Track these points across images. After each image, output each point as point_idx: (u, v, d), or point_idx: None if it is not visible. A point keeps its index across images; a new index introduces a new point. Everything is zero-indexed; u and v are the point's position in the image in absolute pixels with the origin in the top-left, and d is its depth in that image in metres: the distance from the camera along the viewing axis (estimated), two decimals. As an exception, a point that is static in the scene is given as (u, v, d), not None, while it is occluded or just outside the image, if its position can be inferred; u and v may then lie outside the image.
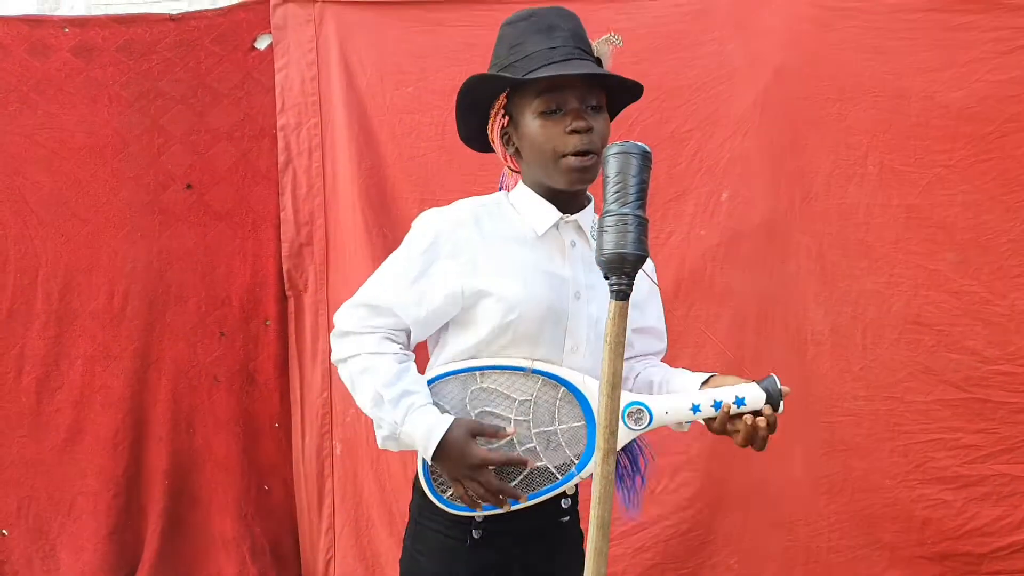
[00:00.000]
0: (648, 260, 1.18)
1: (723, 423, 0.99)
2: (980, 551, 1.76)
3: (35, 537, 2.04)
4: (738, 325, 1.81)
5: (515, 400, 1.04)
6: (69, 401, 2.01)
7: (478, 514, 1.05)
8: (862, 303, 1.78)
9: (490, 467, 1.00)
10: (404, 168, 1.88)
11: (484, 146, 1.15)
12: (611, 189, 0.93)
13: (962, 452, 1.75)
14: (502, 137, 1.11)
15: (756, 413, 0.99)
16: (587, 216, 1.10)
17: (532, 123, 1.04)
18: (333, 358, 1.10)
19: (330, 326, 1.93)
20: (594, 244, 1.06)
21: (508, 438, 1.02)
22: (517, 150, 1.09)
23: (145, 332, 1.98)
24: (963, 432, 1.75)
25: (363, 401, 1.05)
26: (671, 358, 1.83)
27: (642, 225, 0.92)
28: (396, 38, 1.86)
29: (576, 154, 1.02)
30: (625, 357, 1.19)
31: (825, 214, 1.79)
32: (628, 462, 1.19)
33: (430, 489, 1.07)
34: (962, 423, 1.75)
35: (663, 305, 1.22)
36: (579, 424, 1.05)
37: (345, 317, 1.08)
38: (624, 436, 1.01)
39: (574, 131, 1.02)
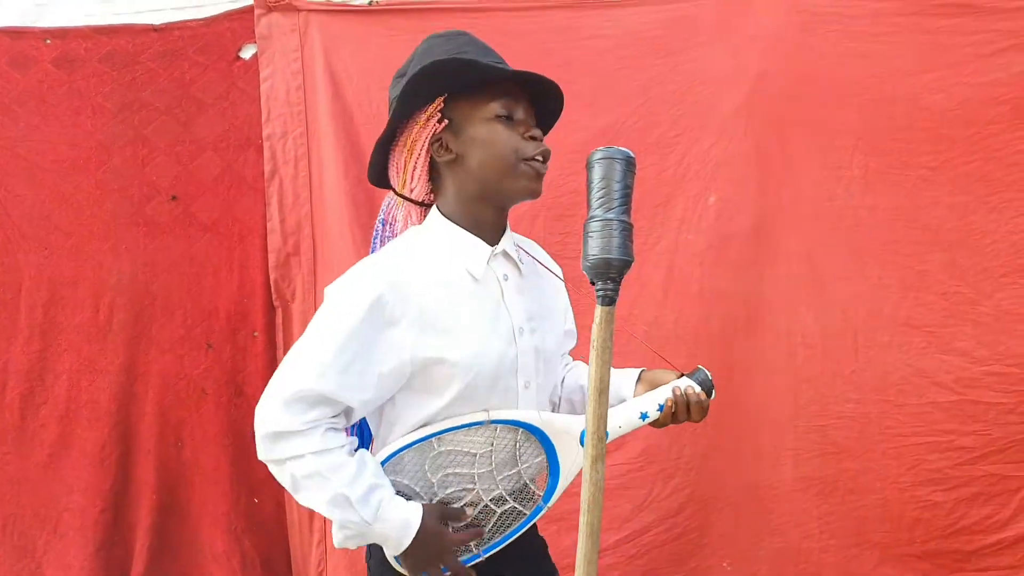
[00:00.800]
0: (546, 255, 1.17)
1: (668, 419, 1.05)
2: (968, 548, 1.76)
3: (20, 555, 2.01)
4: (728, 329, 1.81)
5: (475, 455, 1.03)
6: (54, 416, 1.98)
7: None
8: (852, 306, 1.79)
9: (454, 553, 1.00)
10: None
11: (378, 175, 1.07)
12: (595, 195, 0.93)
13: (955, 454, 1.75)
14: (432, 144, 1.01)
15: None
16: (509, 240, 1.06)
17: (485, 126, 0.99)
18: (263, 458, 0.97)
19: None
20: (523, 267, 1.08)
21: (469, 519, 1.03)
22: (455, 156, 1.01)
23: (131, 345, 1.96)
24: (955, 434, 1.75)
25: (317, 503, 0.95)
26: (662, 364, 1.83)
27: (627, 230, 0.92)
28: (381, 46, 1.85)
29: (537, 158, 1.00)
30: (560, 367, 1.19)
31: (813, 217, 1.79)
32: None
33: (398, 560, 1.02)
34: (955, 425, 1.75)
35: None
36: (540, 458, 1.06)
37: (274, 416, 0.94)
38: (582, 460, 0.99)
39: (533, 137, 1.01)
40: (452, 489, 1.04)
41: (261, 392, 2.09)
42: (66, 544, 1.99)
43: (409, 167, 1.04)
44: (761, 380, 1.81)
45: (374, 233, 1.12)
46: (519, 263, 1.06)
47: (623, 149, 0.93)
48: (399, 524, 0.96)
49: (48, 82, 1.93)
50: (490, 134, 1.00)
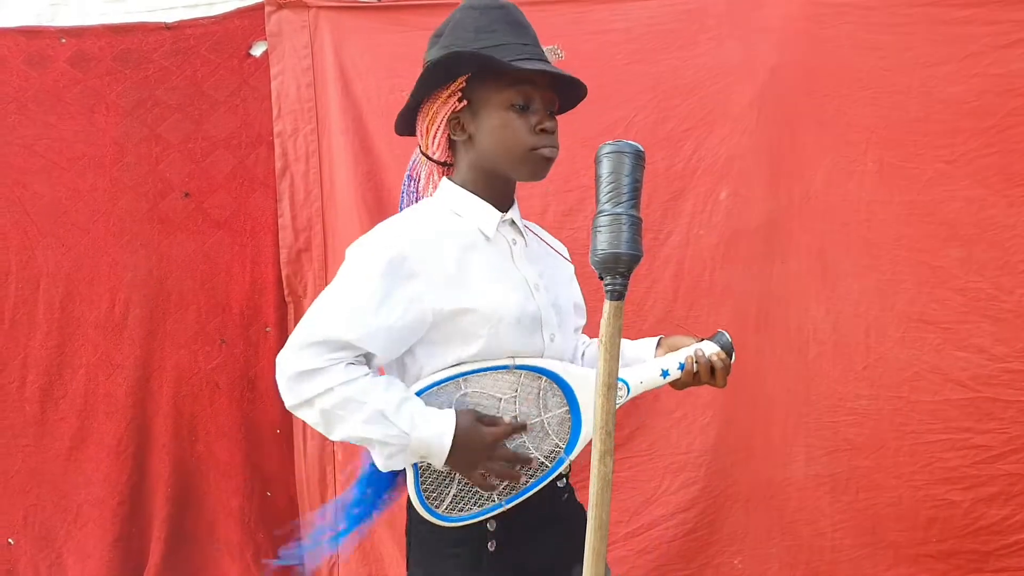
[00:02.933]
0: (549, 236, 1.20)
1: (690, 378, 1.06)
2: (985, 549, 1.73)
3: (41, 545, 2.05)
4: (739, 325, 1.80)
5: (499, 399, 1.03)
6: (73, 410, 2.01)
7: (479, 519, 1.02)
8: (864, 301, 1.76)
9: (502, 445, 1.00)
10: (400, 172, 1.86)
11: (407, 128, 1.11)
12: (604, 189, 0.92)
13: (971, 452, 1.73)
14: (450, 123, 1.06)
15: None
16: (516, 212, 1.10)
17: (499, 114, 1.03)
18: (291, 403, 0.99)
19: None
20: (528, 237, 1.11)
21: (505, 420, 1.01)
22: (469, 136, 1.05)
23: (146, 340, 1.99)
24: (972, 432, 1.72)
25: (350, 428, 0.97)
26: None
27: (636, 225, 0.91)
28: (391, 42, 1.85)
29: (546, 147, 1.03)
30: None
31: (825, 212, 1.77)
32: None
33: (423, 505, 1.03)
34: (971, 423, 1.72)
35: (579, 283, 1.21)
36: (564, 409, 1.06)
37: (296, 358, 0.97)
38: None
39: (544, 130, 1.03)
40: None
41: (274, 387, 2.11)
42: (85, 535, 2.03)
43: (430, 134, 1.08)
44: (772, 376, 1.80)
45: (402, 188, 1.18)
46: (524, 234, 1.11)
47: (632, 143, 0.92)
48: (436, 429, 0.97)
49: (64, 81, 1.95)
50: (502, 122, 1.03)
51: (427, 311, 0.99)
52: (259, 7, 1.91)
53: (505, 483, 1.03)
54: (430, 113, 1.07)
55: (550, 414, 1.05)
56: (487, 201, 1.06)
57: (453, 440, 0.97)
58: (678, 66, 1.79)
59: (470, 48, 1.01)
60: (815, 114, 1.76)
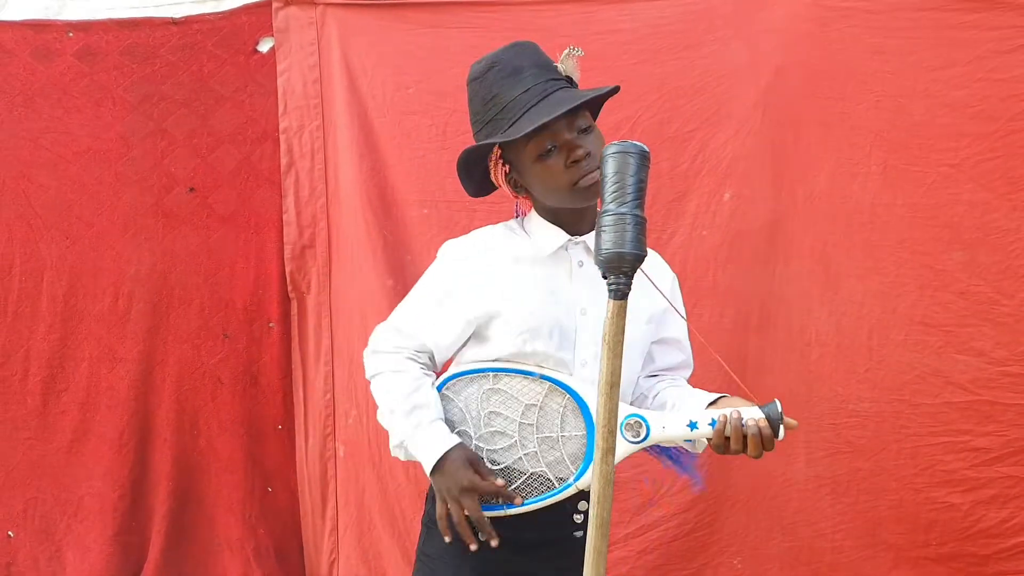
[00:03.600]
0: (669, 272, 1.23)
1: (720, 439, 0.99)
2: (985, 552, 1.74)
3: (41, 538, 2.06)
4: (741, 326, 1.80)
5: (522, 404, 1.07)
6: (75, 403, 2.02)
7: (490, 515, 1.05)
8: (867, 304, 1.77)
9: (477, 495, 1.04)
10: (405, 169, 1.88)
11: (490, 188, 1.19)
12: (609, 188, 0.93)
13: (971, 455, 1.73)
14: (508, 182, 1.15)
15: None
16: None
17: (533, 167, 1.09)
18: (367, 375, 1.17)
19: (332, 327, 1.95)
20: None
21: (497, 482, 1.04)
22: (525, 189, 1.14)
23: (149, 334, 1.99)
24: (971, 435, 1.73)
25: (381, 413, 1.13)
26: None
27: (640, 224, 0.92)
28: (398, 40, 1.86)
29: (583, 177, 1.06)
30: (648, 373, 1.22)
31: (828, 214, 1.77)
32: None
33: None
34: (971, 426, 1.73)
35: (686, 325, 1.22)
36: (581, 434, 1.06)
37: (377, 337, 1.16)
38: (624, 449, 1.03)
39: (574, 162, 1.06)
40: (494, 428, 1.10)
41: (277, 382, 2.14)
42: (86, 528, 2.03)
43: (507, 190, 1.18)
44: (774, 378, 1.80)
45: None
46: None
47: (637, 143, 0.93)
48: (428, 445, 1.06)
49: (71, 75, 1.96)
50: (538, 173, 1.09)
51: (472, 315, 1.11)
52: (266, 3, 1.92)
53: (516, 484, 1.07)
54: (497, 180, 1.16)
55: (566, 434, 1.07)
56: (558, 225, 1.13)
57: (436, 463, 1.05)
58: (684, 67, 1.79)
59: (485, 120, 1.09)
60: (819, 116, 1.76)
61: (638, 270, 1.10)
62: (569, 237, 1.13)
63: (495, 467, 1.08)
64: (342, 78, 1.89)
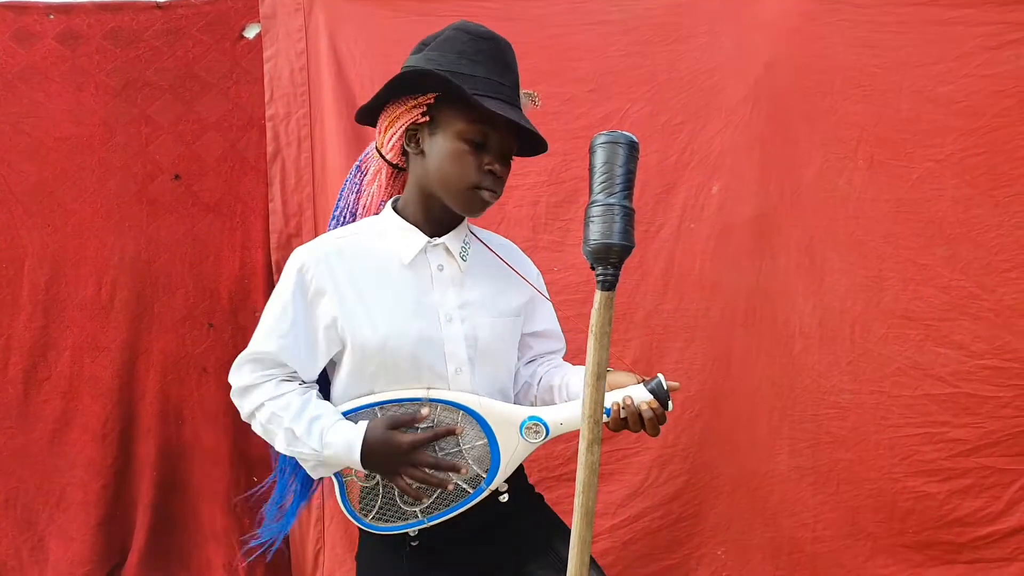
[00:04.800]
0: (533, 267, 1.22)
1: (617, 424, 1.02)
2: (960, 540, 1.78)
3: (23, 528, 2.04)
4: (727, 319, 1.82)
5: (417, 430, 1.06)
6: (57, 392, 1.99)
7: (407, 528, 1.07)
8: (851, 297, 1.79)
9: (419, 449, 1.03)
10: (394, 159, 1.87)
11: (373, 122, 1.12)
12: (598, 179, 0.93)
13: (948, 446, 1.77)
14: (407, 131, 1.07)
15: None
16: (456, 237, 1.10)
17: (454, 143, 1.03)
18: (243, 417, 1.10)
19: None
20: (463, 264, 1.11)
21: (425, 419, 1.05)
22: (421, 151, 1.06)
23: (133, 323, 1.97)
24: (949, 426, 1.76)
25: (280, 445, 1.06)
26: (661, 352, 1.84)
27: (628, 215, 0.92)
28: (386, 27, 1.84)
29: (488, 190, 1.04)
30: (526, 360, 1.23)
31: (815, 208, 1.79)
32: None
33: (351, 514, 1.10)
34: (948, 417, 1.76)
35: (555, 309, 1.25)
36: (482, 442, 1.08)
37: (238, 375, 1.08)
38: (526, 449, 1.06)
39: (491, 172, 1.04)
40: None
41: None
42: (68, 518, 2.01)
43: (387, 134, 1.09)
44: (758, 370, 1.82)
45: (347, 177, 1.18)
46: (459, 260, 1.10)
47: (626, 134, 0.93)
48: (344, 446, 1.02)
49: (51, 58, 1.92)
50: (454, 152, 1.03)
51: (333, 328, 1.05)
52: (252, -12, 1.89)
53: (432, 496, 1.06)
54: (393, 115, 1.07)
55: (468, 446, 1.08)
56: (418, 226, 1.08)
57: (363, 449, 1.01)
58: (673, 59, 1.80)
59: (448, 69, 1.01)
60: (807, 110, 1.77)
61: (493, 251, 1.13)
62: (428, 239, 1.08)
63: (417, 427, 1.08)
64: (329, 65, 1.87)
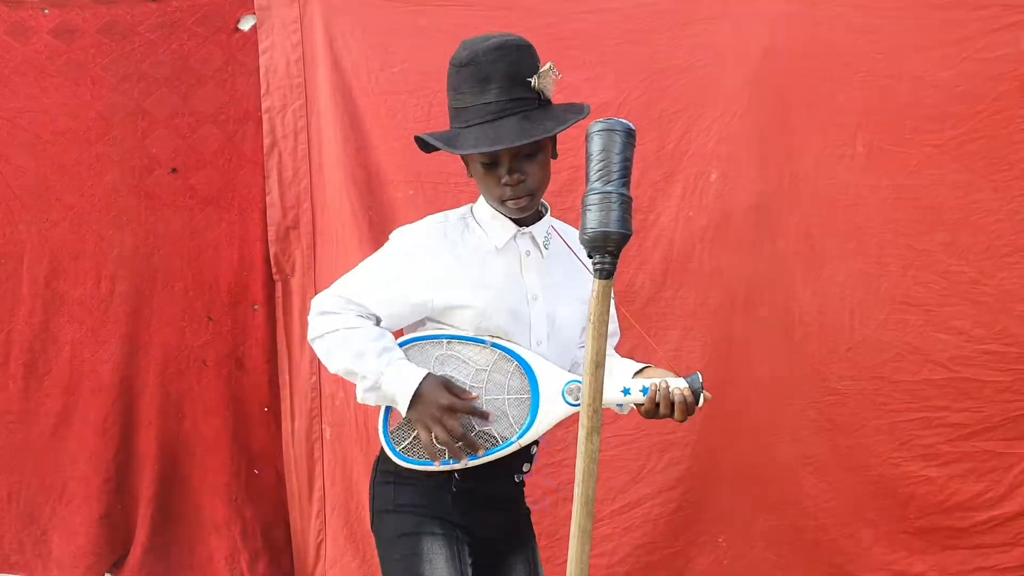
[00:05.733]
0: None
1: (651, 406, 1.08)
2: (961, 525, 1.78)
3: (26, 522, 2.05)
4: (726, 306, 1.82)
5: (473, 368, 1.14)
6: (58, 387, 2.00)
7: (435, 468, 1.14)
8: (850, 284, 1.79)
9: (457, 414, 1.10)
10: (391, 149, 1.86)
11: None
12: (594, 167, 0.93)
13: (947, 430, 1.77)
14: (464, 158, 1.19)
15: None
16: (541, 227, 1.21)
17: (476, 167, 1.15)
18: (310, 335, 1.20)
19: (318, 309, 1.94)
20: (546, 252, 1.20)
21: (473, 399, 1.12)
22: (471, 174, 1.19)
23: (132, 317, 1.97)
24: (948, 411, 1.76)
25: (342, 359, 1.15)
26: (660, 340, 1.84)
27: (626, 203, 0.92)
28: (382, 18, 1.83)
29: (512, 200, 1.13)
30: (581, 344, 1.26)
31: (814, 195, 1.78)
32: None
33: (385, 439, 1.18)
34: (947, 402, 1.76)
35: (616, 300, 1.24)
36: (525, 396, 1.14)
37: (323, 300, 1.19)
38: (563, 411, 1.12)
39: (507, 184, 1.12)
40: None
41: (262, 364, 2.13)
42: (71, 512, 2.02)
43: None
44: (758, 357, 1.82)
45: None
46: (543, 248, 1.21)
47: (623, 121, 0.93)
48: (403, 378, 1.11)
49: (47, 52, 1.91)
50: (477, 175, 1.16)
51: (427, 302, 1.16)
52: (247, -20, 1.88)
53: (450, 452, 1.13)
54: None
55: (511, 396, 1.15)
56: (507, 216, 1.18)
57: (415, 391, 1.10)
58: (671, 47, 1.79)
59: (452, 105, 1.14)
60: (806, 97, 1.76)
61: (568, 245, 1.21)
62: (518, 228, 1.19)
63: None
64: (326, 57, 1.86)
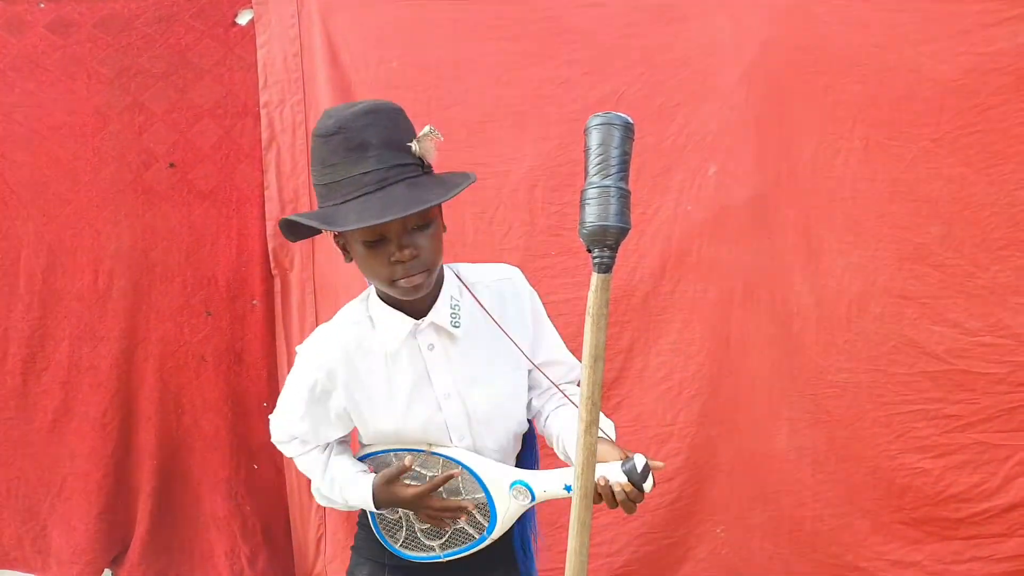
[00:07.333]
0: (527, 298, 1.21)
1: (595, 500, 1.01)
2: (957, 516, 1.80)
3: (25, 518, 2.05)
4: (725, 300, 1.82)
5: (427, 476, 1.17)
6: (56, 382, 2.00)
7: (428, 559, 1.23)
8: (847, 277, 1.79)
9: (430, 493, 1.14)
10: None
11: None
12: (593, 161, 0.93)
13: (943, 422, 1.78)
14: (337, 242, 1.10)
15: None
16: (442, 311, 1.11)
17: (358, 248, 1.04)
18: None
19: (317, 304, 1.94)
20: (455, 332, 1.13)
21: (411, 466, 1.16)
22: (354, 261, 1.08)
23: (131, 312, 1.97)
24: (944, 403, 1.78)
25: (313, 483, 1.26)
26: (658, 334, 1.84)
27: (624, 197, 0.92)
28: (379, 12, 1.83)
29: (404, 278, 1.03)
30: (540, 391, 1.26)
31: (811, 188, 1.79)
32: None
33: (381, 538, 1.26)
34: (943, 394, 1.77)
35: (558, 332, 1.26)
36: (481, 495, 1.17)
37: (272, 428, 1.27)
38: (517, 508, 1.14)
39: (398, 261, 1.01)
40: None
41: (260, 359, 2.12)
42: (70, 507, 2.02)
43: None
44: (756, 350, 1.83)
45: None
46: (451, 329, 1.12)
47: (622, 115, 0.92)
48: (362, 501, 1.19)
49: (43, 47, 1.90)
50: (361, 257, 1.04)
51: (345, 416, 1.18)
52: (244, -26, 1.87)
53: (447, 535, 1.20)
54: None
55: (469, 497, 1.18)
56: (399, 308, 1.11)
57: (375, 502, 1.17)
58: (669, 40, 1.79)
59: (321, 182, 1.02)
60: (803, 90, 1.76)
61: (480, 304, 1.14)
62: (415, 322, 1.10)
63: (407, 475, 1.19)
64: (323, 51, 1.86)
